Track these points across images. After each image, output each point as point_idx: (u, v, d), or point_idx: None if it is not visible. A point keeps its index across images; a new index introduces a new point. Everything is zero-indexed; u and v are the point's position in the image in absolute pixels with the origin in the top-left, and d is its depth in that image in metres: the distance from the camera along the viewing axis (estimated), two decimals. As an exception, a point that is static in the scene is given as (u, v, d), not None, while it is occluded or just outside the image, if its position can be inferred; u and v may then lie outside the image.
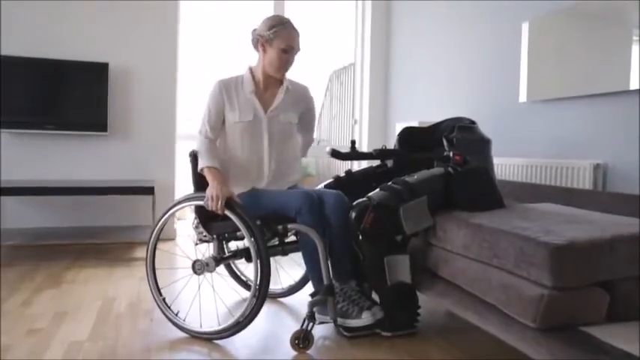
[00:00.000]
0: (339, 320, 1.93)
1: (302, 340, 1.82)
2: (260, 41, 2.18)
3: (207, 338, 1.94)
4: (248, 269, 2.76)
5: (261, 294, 1.85)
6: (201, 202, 2.02)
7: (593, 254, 1.40)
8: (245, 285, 2.60)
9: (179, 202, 2.11)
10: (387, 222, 1.88)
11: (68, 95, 3.66)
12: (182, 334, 1.99)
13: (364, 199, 1.91)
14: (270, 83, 2.24)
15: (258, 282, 1.86)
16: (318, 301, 1.91)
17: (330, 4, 4.79)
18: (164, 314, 2.08)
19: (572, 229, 1.51)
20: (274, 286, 2.58)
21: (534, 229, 1.52)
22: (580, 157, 2.52)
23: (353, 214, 1.90)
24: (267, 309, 2.35)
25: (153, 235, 2.15)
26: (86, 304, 2.31)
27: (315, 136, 2.50)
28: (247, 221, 1.90)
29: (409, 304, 1.98)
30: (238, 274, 2.62)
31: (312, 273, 2.02)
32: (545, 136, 2.78)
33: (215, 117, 2.20)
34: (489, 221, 1.70)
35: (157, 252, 2.18)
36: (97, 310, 2.23)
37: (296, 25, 2.20)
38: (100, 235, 3.82)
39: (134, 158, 3.92)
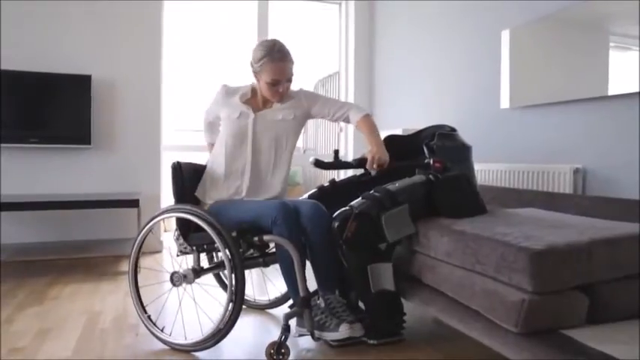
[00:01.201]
0: (317, 333, 1.91)
1: (276, 351, 1.80)
2: (252, 70, 2.22)
3: (192, 350, 1.93)
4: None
5: (237, 304, 1.84)
6: (181, 214, 2.01)
7: (572, 258, 1.42)
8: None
9: (157, 215, 2.11)
10: (370, 230, 1.89)
11: (51, 108, 3.63)
12: (167, 348, 1.97)
13: (346, 208, 1.92)
14: (268, 101, 2.29)
15: (233, 294, 1.85)
16: (294, 313, 1.91)
17: (314, 13, 4.83)
18: (150, 331, 2.07)
19: (552, 234, 1.53)
20: (261, 297, 2.58)
21: (515, 235, 1.54)
22: (560, 161, 2.57)
23: (335, 224, 1.90)
24: (253, 320, 2.34)
25: (133, 252, 2.14)
26: (71, 320, 2.28)
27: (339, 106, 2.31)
28: (222, 233, 1.89)
29: (394, 312, 1.98)
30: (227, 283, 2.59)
31: (289, 284, 2.01)
32: (527, 142, 2.82)
33: (214, 105, 2.34)
34: (471, 227, 1.72)
35: (143, 267, 2.16)
36: (82, 326, 2.21)
37: (286, 48, 2.17)
38: (86, 249, 3.78)
39: (119, 171, 3.89)
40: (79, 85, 3.67)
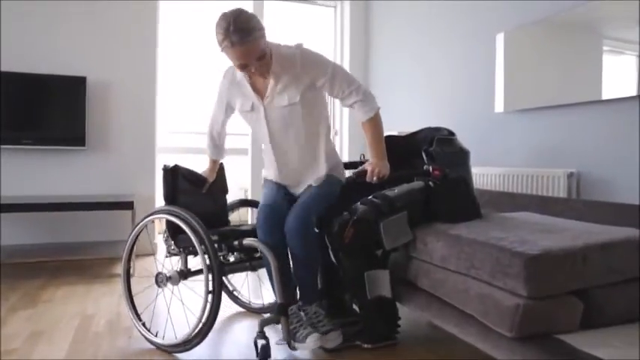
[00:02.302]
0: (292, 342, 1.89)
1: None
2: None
3: (180, 350, 1.93)
4: (234, 279, 2.77)
5: (214, 306, 1.84)
6: (166, 216, 2.03)
7: (567, 263, 1.43)
8: (232, 295, 2.59)
9: (145, 217, 2.14)
10: (367, 237, 1.89)
11: (45, 110, 3.61)
12: (160, 354, 1.96)
13: (345, 213, 1.91)
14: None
15: (209, 296, 1.84)
16: (269, 320, 1.89)
17: (310, 15, 4.83)
18: (145, 338, 2.06)
19: (546, 239, 1.54)
20: (256, 300, 2.57)
21: (510, 240, 1.55)
22: (554, 165, 2.58)
23: (334, 229, 1.90)
24: (249, 322, 2.33)
25: (124, 258, 2.17)
26: (64, 323, 2.27)
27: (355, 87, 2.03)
28: (201, 235, 1.89)
29: (389, 317, 1.98)
30: (225, 283, 2.60)
31: (272, 289, 2.00)
32: (521, 146, 2.83)
33: (217, 106, 2.22)
34: (467, 232, 1.72)
35: (136, 272, 2.16)
36: (75, 329, 2.19)
37: (247, 24, 1.79)
38: (80, 251, 3.76)
39: (113, 172, 3.87)
40: (74, 87, 3.65)
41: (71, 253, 3.73)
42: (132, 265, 2.20)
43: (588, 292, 1.47)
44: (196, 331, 1.88)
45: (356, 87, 2.03)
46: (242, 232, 2.08)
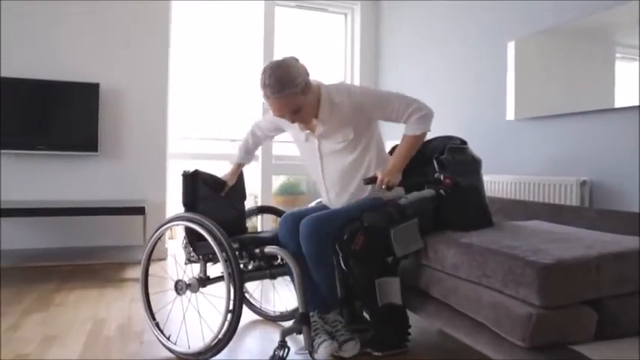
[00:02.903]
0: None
1: None
2: None
3: (194, 359, 1.93)
4: (256, 292, 2.75)
5: (235, 317, 1.83)
6: (187, 223, 2.02)
7: (580, 273, 1.42)
8: (252, 307, 2.57)
9: (166, 223, 2.13)
10: (378, 244, 1.89)
11: (59, 116, 3.66)
12: (172, 356, 1.97)
13: (355, 220, 1.91)
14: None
15: (231, 305, 1.83)
16: (291, 330, 1.89)
17: (321, 22, 4.85)
18: (157, 338, 2.07)
19: (560, 248, 1.53)
20: (267, 305, 2.57)
21: (522, 248, 1.54)
22: (567, 173, 2.56)
23: (344, 236, 1.90)
24: (263, 330, 2.33)
25: (144, 259, 2.18)
26: (76, 327, 2.29)
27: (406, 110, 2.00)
28: (222, 243, 1.89)
29: (399, 325, 1.97)
30: (247, 296, 2.58)
31: (297, 298, 2.00)
32: (533, 153, 2.82)
33: (269, 119, 2.26)
34: (479, 241, 1.72)
35: (150, 274, 2.18)
36: (87, 333, 2.21)
37: (276, 79, 1.85)
38: (91, 255, 3.79)
39: (125, 178, 3.91)
40: (87, 93, 3.70)
41: (83, 257, 3.76)
42: (149, 267, 2.22)
43: (602, 302, 1.46)
44: (213, 344, 1.87)
45: (415, 107, 2.01)
46: (263, 240, 2.07)
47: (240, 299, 1.84)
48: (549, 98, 2.70)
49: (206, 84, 4.51)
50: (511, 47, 2.95)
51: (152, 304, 2.17)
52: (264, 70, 1.89)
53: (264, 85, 1.87)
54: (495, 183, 2.94)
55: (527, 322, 1.37)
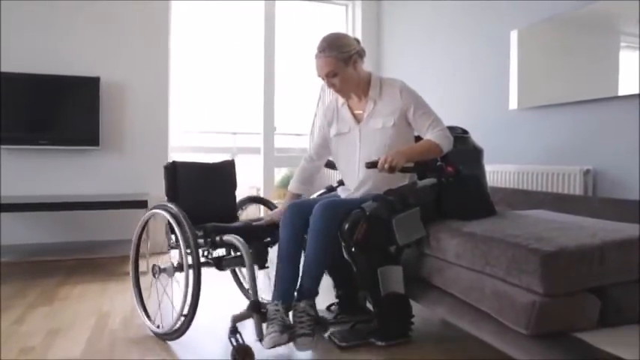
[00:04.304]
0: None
1: (240, 356, 1.80)
2: None
3: (168, 338, 2.04)
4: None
5: (193, 300, 1.90)
6: (160, 211, 2.13)
7: (584, 261, 1.42)
8: (246, 292, 2.62)
9: (146, 213, 2.27)
10: (380, 233, 1.88)
11: (60, 110, 3.66)
12: (176, 349, 1.98)
13: (357, 210, 1.91)
14: (359, 93, 2.18)
15: (187, 289, 1.92)
16: (241, 317, 1.89)
17: (321, 13, 4.83)
18: (145, 324, 2.17)
19: (563, 236, 1.52)
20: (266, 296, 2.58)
21: (525, 237, 1.53)
22: (570, 163, 2.55)
23: (346, 226, 1.89)
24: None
25: (132, 249, 2.36)
26: (80, 321, 2.30)
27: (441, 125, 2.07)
28: (185, 230, 1.96)
29: (402, 314, 1.97)
30: (242, 281, 2.65)
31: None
32: (536, 143, 2.80)
33: (318, 138, 2.34)
34: (481, 229, 1.71)
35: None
36: (91, 326, 2.22)
37: (328, 42, 2.06)
38: (94, 249, 3.80)
39: (127, 172, 3.91)
40: (88, 87, 3.69)
41: (86, 252, 3.77)
42: (138, 256, 2.38)
43: (605, 289, 1.45)
44: (178, 325, 1.96)
45: (444, 128, 2.07)
46: (226, 228, 2.11)
47: (198, 284, 1.90)
48: (552, 87, 2.68)
49: (207, 77, 4.50)
50: (514, 36, 2.93)
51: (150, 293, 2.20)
52: (319, 43, 2.10)
53: (319, 43, 2.08)
54: (498, 173, 2.93)
55: (531, 310, 1.37)
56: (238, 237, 1.99)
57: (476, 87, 3.32)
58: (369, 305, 2.02)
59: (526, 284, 1.43)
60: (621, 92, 2.28)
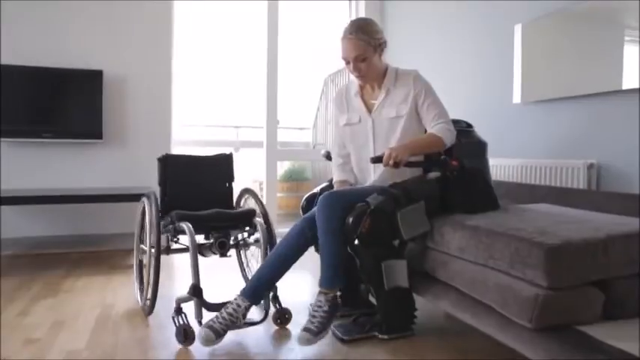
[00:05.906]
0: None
1: (183, 337, 1.90)
2: None
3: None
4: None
5: (154, 283, 2.13)
6: (145, 199, 2.34)
7: (588, 254, 1.41)
8: (245, 276, 2.71)
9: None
10: (385, 227, 1.88)
11: (63, 103, 3.66)
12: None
13: (362, 203, 1.91)
14: (375, 83, 2.17)
15: (149, 270, 2.14)
16: (183, 299, 1.98)
17: (324, 7, 4.81)
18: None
19: (567, 230, 1.52)
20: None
21: (529, 230, 1.53)
22: (574, 156, 2.54)
23: (350, 219, 1.89)
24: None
25: (135, 241, 2.55)
26: (84, 313, 2.31)
27: (444, 118, 2.07)
28: (153, 217, 2.18)
29: (406, 308, 1.98)
30: (244, 266, 2.73)
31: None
32: (539, 137, 2.80)
33: (335, 126, 2.32)
34: (485, 223, 1.71)
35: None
36: (95, 318, 2.23)
37: (356, 25, 2.06)
38: (97, 242, 3.82)
39: (130, 165, 3.92)
40: (91, 81, 3.70)
41: (90, 244, 3.79)
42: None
43: (609, 283, 1.45)
44: (147, 301, 2.20)
45: (448, 121, 2.08)
46: (190, 216, 2.19)
47: (158, 266, 2.10)
48: (556, 81, 2.67)
49: (210, 70, 4.50)
50: (518, 30, 2.91)
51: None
52: (346, 26, 2.09)
53: (347, 25, 2.07)
54: (502, 167, 2.92)
55: (534, 304, 1.37)
56: (188, 224, 2.10)
57: (480, 81, 3.31)
58: (371, 298, 2.02)
59: (530, 277, 1.43)
60: (625, 86, 2.27)
